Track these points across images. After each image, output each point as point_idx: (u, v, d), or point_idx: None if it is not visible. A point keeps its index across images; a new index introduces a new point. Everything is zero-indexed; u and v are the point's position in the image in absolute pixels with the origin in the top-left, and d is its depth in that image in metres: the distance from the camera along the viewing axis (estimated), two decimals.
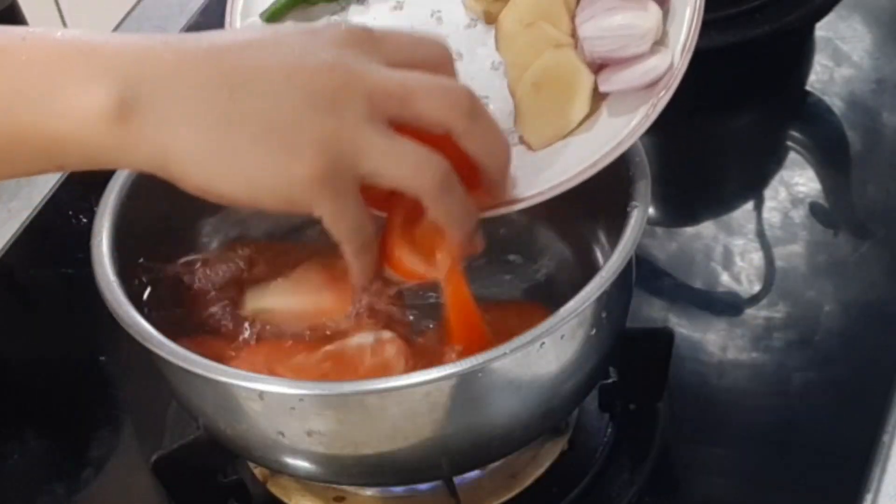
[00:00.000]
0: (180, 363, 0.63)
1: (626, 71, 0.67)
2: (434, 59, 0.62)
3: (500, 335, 0.64)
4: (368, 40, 0.60)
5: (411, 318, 0.71)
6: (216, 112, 0.57)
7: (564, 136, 0.68)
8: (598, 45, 0.67)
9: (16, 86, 0.57)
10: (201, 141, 0.57)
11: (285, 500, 0.75)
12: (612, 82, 0.67)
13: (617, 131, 0.66)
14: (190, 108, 0.57)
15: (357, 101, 0.57)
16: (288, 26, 0.73)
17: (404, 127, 0.59)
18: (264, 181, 0.57)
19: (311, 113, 0.57)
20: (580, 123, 0.68)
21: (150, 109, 0.56)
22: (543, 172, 0.67)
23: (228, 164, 0.57)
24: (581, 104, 0.68)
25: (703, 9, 0.67)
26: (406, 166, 0.58)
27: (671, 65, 0.66)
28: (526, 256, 0.77)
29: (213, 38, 0.59)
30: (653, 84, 0.66)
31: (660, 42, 0.67)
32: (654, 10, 0.67)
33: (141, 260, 0.72)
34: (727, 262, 0.87)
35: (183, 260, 0.74)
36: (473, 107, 0.60)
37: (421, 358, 0.68)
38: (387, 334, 0.69)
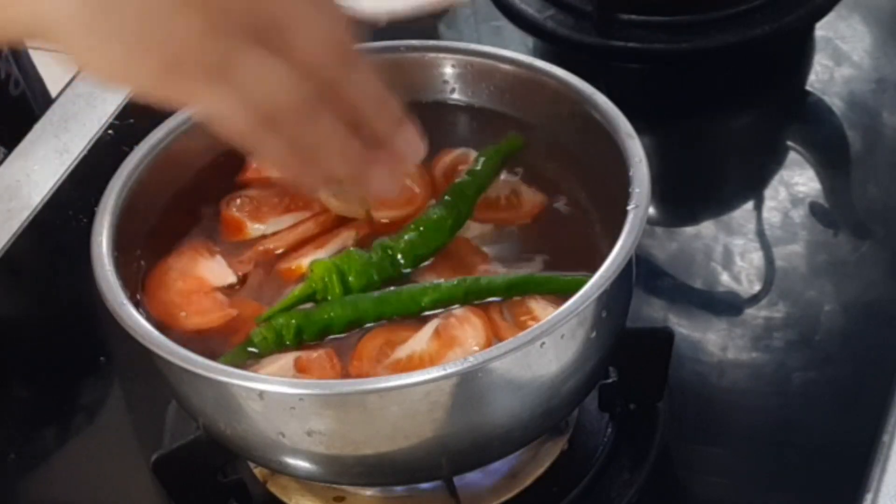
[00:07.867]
0: (180, 363, 0.63)
1: None
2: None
3: None
4: None
5: None
6: None
7: None
8: None
9: None
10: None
11: (285, 500, 0.75)
12: None
13: None
14: None
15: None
16: None
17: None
18: (133, 61, 0.56)
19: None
20: None
21: None
22: None
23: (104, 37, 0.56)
24: None
25: None
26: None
27: None
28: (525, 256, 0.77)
29: None
30: None
31: None
32: None
33: (141, 259, 0.72)
34: (727, 262, 0.87)
35: None
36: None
37: None
38: None
